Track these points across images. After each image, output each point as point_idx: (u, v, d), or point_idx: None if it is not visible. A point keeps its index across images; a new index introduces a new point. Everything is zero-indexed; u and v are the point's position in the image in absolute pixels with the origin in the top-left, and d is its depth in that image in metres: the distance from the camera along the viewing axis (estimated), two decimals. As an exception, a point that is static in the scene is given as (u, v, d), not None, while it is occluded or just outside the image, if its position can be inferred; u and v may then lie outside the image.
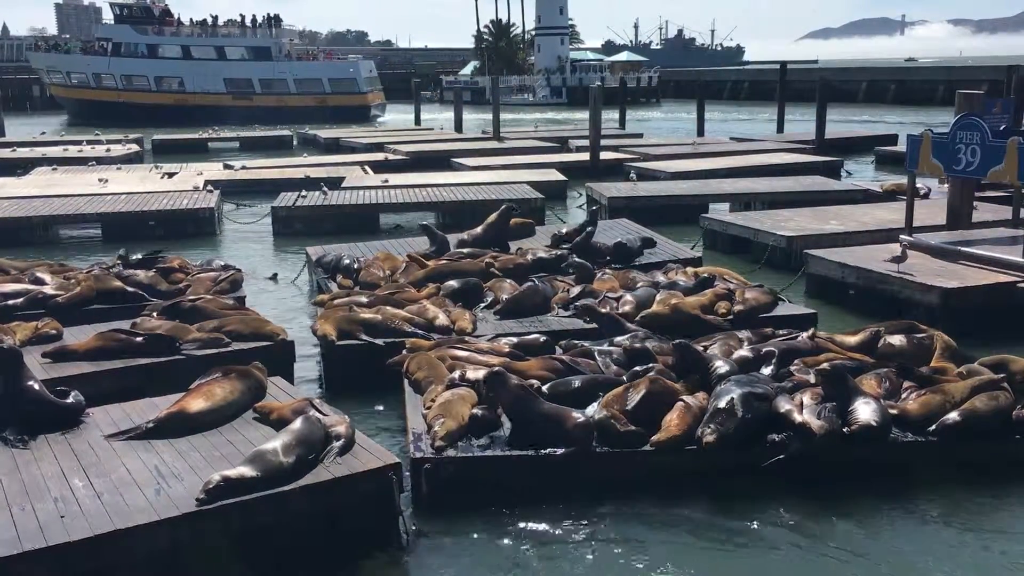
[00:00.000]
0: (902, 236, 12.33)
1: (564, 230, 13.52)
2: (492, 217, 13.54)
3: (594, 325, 9.34)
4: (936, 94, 59.82)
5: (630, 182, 21.01)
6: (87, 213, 18.11)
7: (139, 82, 56.43)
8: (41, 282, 10.88)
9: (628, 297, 9.97)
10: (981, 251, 11.68)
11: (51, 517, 5.39)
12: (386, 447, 6.60)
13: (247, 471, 5.68)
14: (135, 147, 33.97)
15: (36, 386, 6.91)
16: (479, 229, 13.44)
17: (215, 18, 59.80)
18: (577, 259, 11.70)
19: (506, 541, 6.18)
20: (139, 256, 12.09)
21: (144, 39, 57.09)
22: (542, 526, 6.30)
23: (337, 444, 6.15)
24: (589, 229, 13.03)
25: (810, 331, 8.75)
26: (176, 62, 56.81)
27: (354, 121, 51.96)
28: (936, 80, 63.90)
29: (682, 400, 7.07)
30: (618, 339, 8.66)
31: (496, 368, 7.22)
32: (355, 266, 11.78)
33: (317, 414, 6.47)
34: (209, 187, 20.99)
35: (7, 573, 4.97)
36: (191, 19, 59.82)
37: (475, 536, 6.23)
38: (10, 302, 10.14)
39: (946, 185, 18.36)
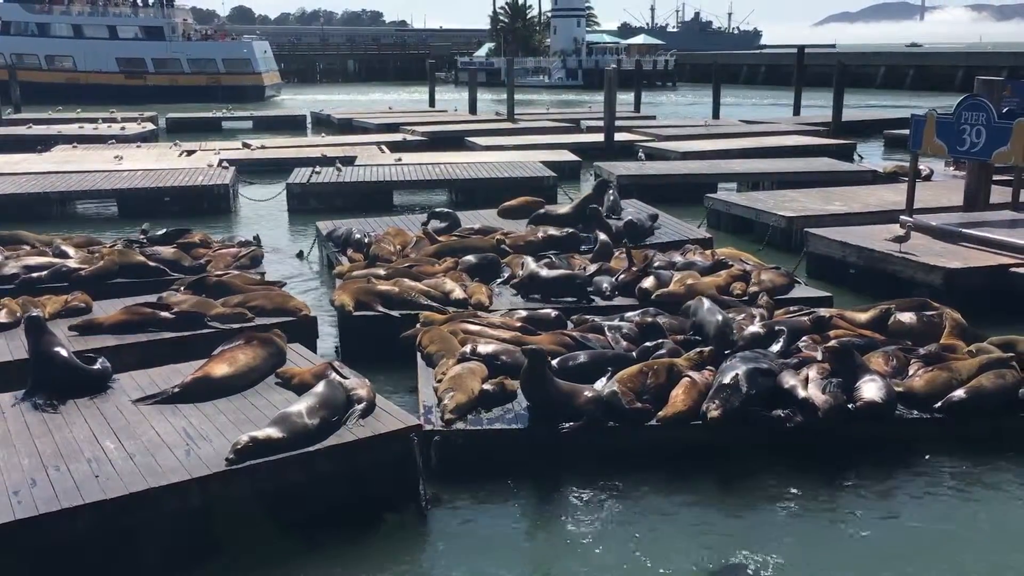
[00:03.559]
0: (903, 217, 12.45)
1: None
2: (587, 192, 13.76)
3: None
4: (955, 79, 59.29)
5: (638, 161, 21.15)
6: (103, 189, 18.43)
7: (30, 60, 56.19)
8: (65, 255, 11.15)
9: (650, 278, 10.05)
10: (983, 232, 11.79)
11: (86, 476, 5.65)
12: (400, 416, 6.83)
13: (274, 432, 5.94)
14: (150, 125, 34.38)
15: (64, 352, 7.19)
16: (571, 207, 13.55)
17: None
18: (602, 236, 11.80)
19: (514, 511, 6.39)
20: (163, 231, 12.33)
21: (34, 17, 57.33)
22: (549, 498, 6.50)
23: (359, 407, 6.39)
24: (608, 192, 13.66)
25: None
26: (67, 41, 57.01)
27: (249, 101, 52.39)
28: (955, 65, 63.31)
29: (688, 375, 7.23)
30: (629, 314, 8.85)
31: (535, 347, 7.25)
32: (365, 240, 11.99)
33: (339, 378, 6.72)
34: (224, 164, 21.25)
35: (48, 528, 5.25)
36: None
37: (483, 506, 6.43)
38: (34, 275, 10.41)
39: (951, 167, 18.59)
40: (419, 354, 8.20)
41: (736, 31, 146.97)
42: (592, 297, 9.82)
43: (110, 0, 59.53)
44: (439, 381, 7.34)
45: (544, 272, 10.08)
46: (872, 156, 26.12)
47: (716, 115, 36.65)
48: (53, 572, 5.33)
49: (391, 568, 5.79)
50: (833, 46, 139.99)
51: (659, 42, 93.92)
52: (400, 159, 22.19)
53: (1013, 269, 10.75)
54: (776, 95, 58.92)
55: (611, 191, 13.90)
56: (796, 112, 36.10)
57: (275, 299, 9.28)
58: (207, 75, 58.34)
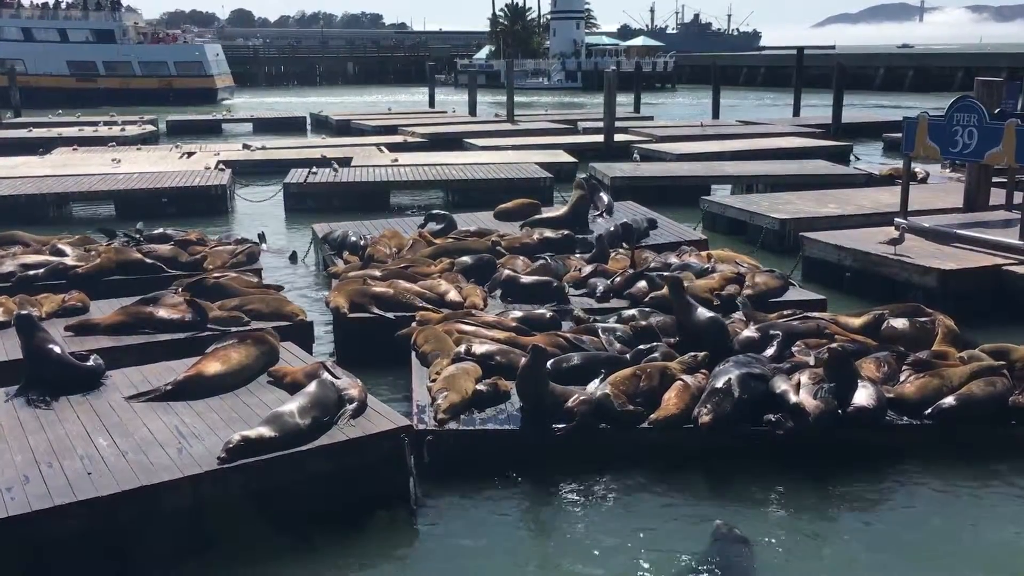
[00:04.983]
0: (897, 219, 12.49)
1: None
2: (573, 198, 13.81)
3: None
4: (954, 80, 59.37)
5: (633, 163, 21.18)
6: (100, 191, 18.44)
7: None
8: (62, 253, 11.19)
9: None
10: (976, 233, 11.81)
11: (79, 474, 5.68)
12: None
13: (265, 431, 5.97)
14: (150, 127, 34.44)
15: (57, 350, 7.25)
16: (565, 209, 13.70)
17: (57, 0, 60.07)
18: (595, 236, 11.89)
19: (504, 511, 6.41)
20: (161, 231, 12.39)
21: None
22: (540, 499, 6.52)
23: (350, 407, 6.43)
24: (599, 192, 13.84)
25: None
26: (16, 44, 56.88)
27: (201, 104, 52.41)
28: (954, 67, 63.39)
29: (681, 379, 7.23)
30: (626, 313, 8.87)
31: (540, 345, 7.27)
32: (361, 243, 12.02)
33: (330, 377, 6.75)
34: (220, 166, 21.27)
35: (40, 525, 5.27)
36: (32, 1, 60.15)
37: (476, 505, 6.45)
38: (31, 272, 10.45)
39: (948, 170, 18.62)
40: (414, 353, 8.21)
41: (736, 32, 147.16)
42: (569, 301, 9.79)
43: (60, 3, 59.69)
44: (433, 381, 7.36)
45: (523, 278, 10.11)
46: (871, 158, 26.18)
47: (716, 116, 36.72)
48: (46, 569, 5.36)
49: (380, 566, 5.82)
50: (833, 47, 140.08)
51: (658, 44, 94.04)
52: (396, 160, 22.23)
53: (1007, 268, 10.76)
54: (776, 96, 59.06)
55: (604, 193, 13.94)
56: (796, 113, 36.18)
57: (272, 303, 9.28)
58: (159, 78, 58.61)
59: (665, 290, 9.45)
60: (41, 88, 54.32)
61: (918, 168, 17.97)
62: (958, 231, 12.05)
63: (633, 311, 8.97)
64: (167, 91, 57.04)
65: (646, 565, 5.72)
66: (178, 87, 57.99)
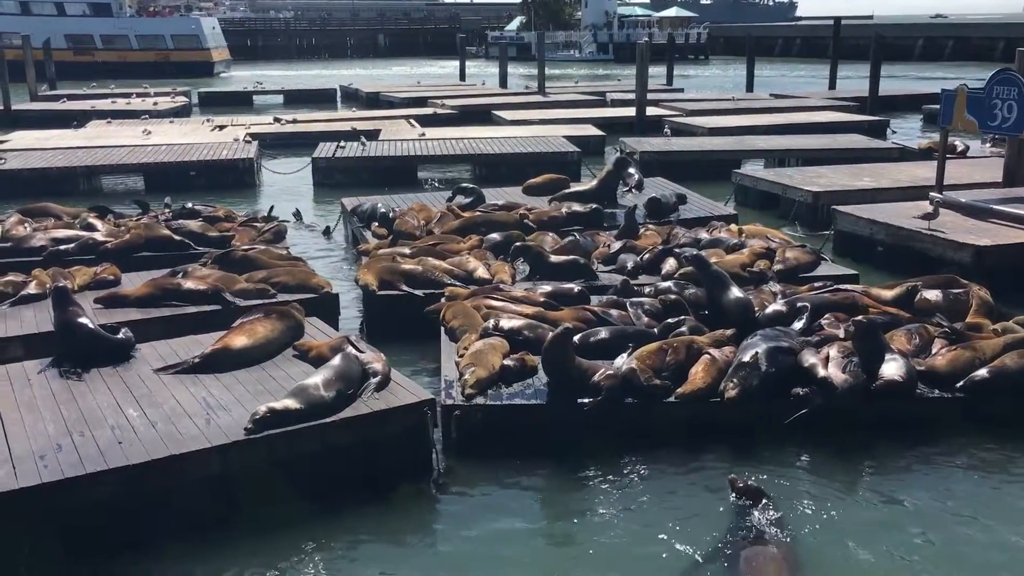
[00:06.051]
0: (932, 194, 12.25)
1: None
2: (603, 172, 13.75)
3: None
4: (995, 51, 57.95)
5: (663, 137, 20.93)
6: (129, 163, 18.60)
7: None
8: (92, 228, 11.34)
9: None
10: (1014, 209, 11.55)
11: (110, 443, 5.80)
12: (420, 391, 6.88)
13: (291, 403, 6.04)
14: (183, 99, 34.67)
15: (88, 322, 7.38)
16: (594, 184, 13.65)
17: None
18: (624, 212, 11.80)
19: (531, 484, 6.44)
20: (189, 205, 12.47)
21: None
22: (566, 473, 6.52)
23: (374, 380, 6.48)
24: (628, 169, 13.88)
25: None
26: (14, 18, 56.49)
27: (198, 77, 52.46)
28: (995, 36, 61.88)
29: (708, 353, 7.19)
30: (662, 285, 8.83)
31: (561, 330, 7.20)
32: (390, 215, 12.05)
33: (354, 351, 6.79)
34: (247, 138, 21.34)
35: (72, 492, 5.40)
36: None
37: (501, 479, 6.48)
38: (62, 247, 10.59)
39: (987, 145, 18.20)
40: (443, 328, 8.24)
41: (771, 2, 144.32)
42: (598, 277, 9.74)
43: None
44: (460, 356, 7.39)
45: (552, 257, 10.06)
46: (910, 132, 25.65)
47: (750, 89, 36.12)
48: (77, 534, 5.48)
49: (402, 536, 5.87)
50: (871, 17, 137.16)
51: (692, 15, 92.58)
52: (424, 134, 22.18)
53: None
54: (812, 68, 57.99)
55: (633, 169, 13.82)
56: (832, 86, 35.52)
57: (298, 275, 9.34)
58: (156, 51, 58.73)
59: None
60: (38, 62, 54.65)
61: (958, 141, 17.58)
62: (995, 207, 11.79)
63: (669, 283, 8.90)
64: (164, 64, 57.21)
65: (672, 541, 5.70)
66: (175, 60, 58.13)
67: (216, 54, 61.29)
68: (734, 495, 5.96)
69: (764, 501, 5.86)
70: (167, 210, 12.63)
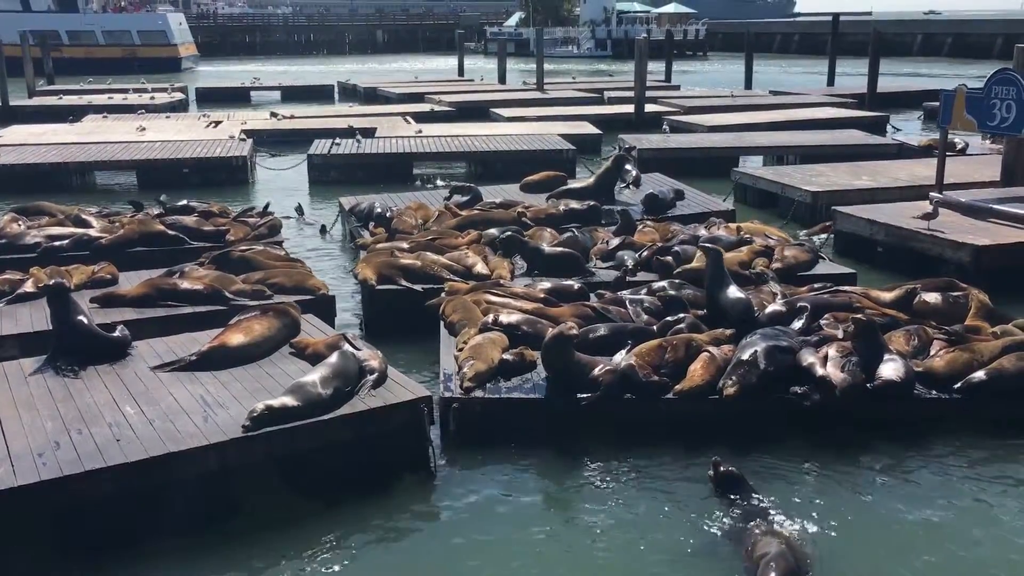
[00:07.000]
0: (932, 193, 12.23)
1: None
2: (600, 169, 13.73)
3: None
4: (993, 47, 57.97)
5: (662, 134, 20.88)
6: (122, 160, 18.51)
7: None
8: (86, 225, 11.29)
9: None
10: (1013, 209, 11.54)
11: (107, 440, 5.79)
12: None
13: (288, 401, 6.04)
14: (180, 95, 34.56)
15: (85, 320, 7.35)
16: (591, 180, 13.65)
17: None
18: (620, 209, 11.78)
19: (528, 478, 6.46)
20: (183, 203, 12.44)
21: None
22: (563, 468, 6.54)
23: (371, 377, 6.48)
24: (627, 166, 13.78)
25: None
26: None
27: (164, 73, 52.07)
28: (993, 33, 61.87)
29: (707, 350, 7.20)
30: (656, 285, 8.80)
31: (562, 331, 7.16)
32: (387, 215, 12.02)
33: (351, 349, 6.78)
34: (241, 135, 21.25)
35: (70, 490, 5.39)
36: None
37: (498, 472, 6.50)
38: (56, 244, 10.56)
39: (988, 140, 18.18)
40: (442, 322, 8.24)
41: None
42: (592, 272, 9.74)
43: None
44: (460, 350, 7.41)
45: (546, 249, 10.04)
46: (910, 129, 25.61)
47: (748, 86, 36.07)
48: (75, 532, 5.48)
49: (401, 531, 5.87)
50: (869, 13, 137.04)
51: (690, 11, 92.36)
52: (420, 131, 22.12)
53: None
54: (810, 64, 57.89)
55: (630, 165, 13.81)
56: (831, 82, 35.49)
57: (295, 277, 9.31)
58: (122, 47, 58.20)
59: (695, 263, 9.40)
60: (6, 57, 54.27)
61: (957, 139, 17.56)
62: (994, 206, 11.79)
63: (664, 283, 8.89)
64: (131, 60, 56.56)
65: (669, 536, 5.71)
66: (142, 56, 57.55)
67: (183, 49, 60.85)
68: (712, 475, 6.01)
69: (745, 488, 5.90)
70: (162, 207, 12.57)
